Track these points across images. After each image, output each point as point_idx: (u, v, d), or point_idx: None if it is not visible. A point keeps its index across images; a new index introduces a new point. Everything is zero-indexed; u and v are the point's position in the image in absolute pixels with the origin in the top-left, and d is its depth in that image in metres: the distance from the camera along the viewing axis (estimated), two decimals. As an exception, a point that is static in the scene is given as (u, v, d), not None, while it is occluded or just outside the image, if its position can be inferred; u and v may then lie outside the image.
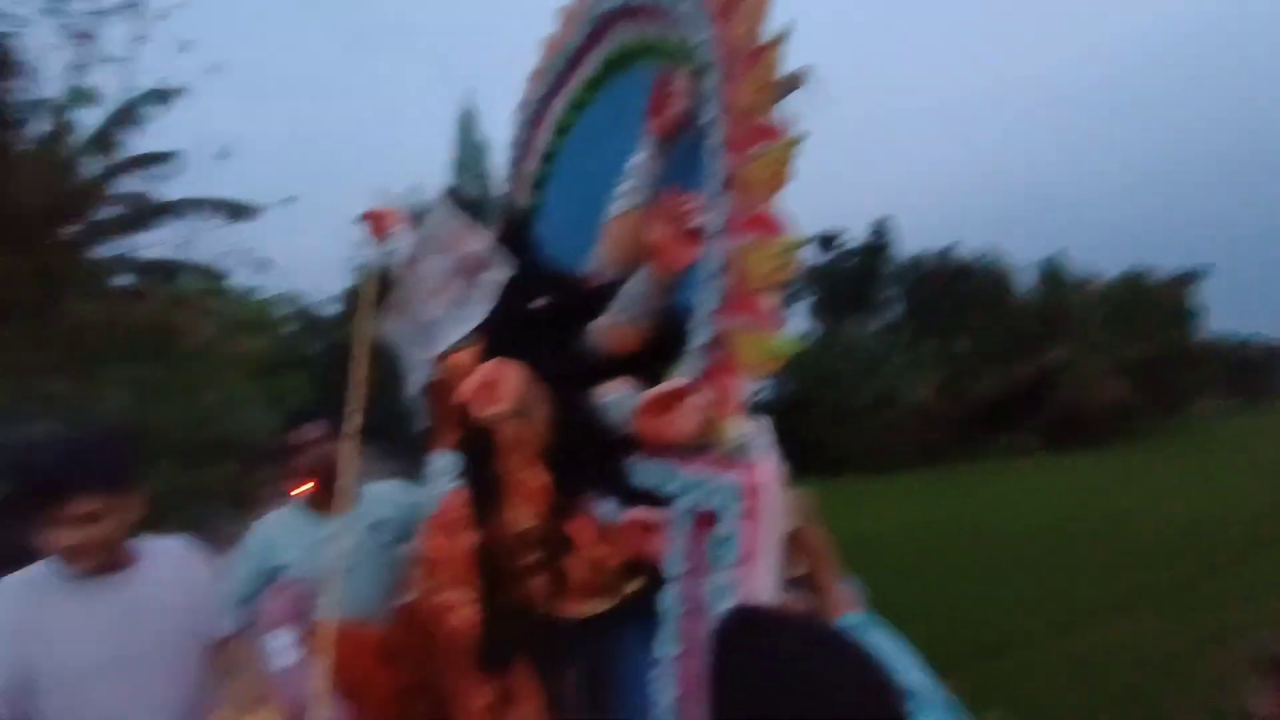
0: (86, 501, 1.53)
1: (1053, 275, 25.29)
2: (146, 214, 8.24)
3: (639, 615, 1.65)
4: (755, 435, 1.26)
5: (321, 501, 2.59)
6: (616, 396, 1.50)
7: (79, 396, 6.60)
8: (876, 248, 25.99)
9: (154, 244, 8.56)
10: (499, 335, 1.68)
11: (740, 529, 1.22)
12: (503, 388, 1.41)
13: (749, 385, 1.27)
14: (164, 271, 8.84)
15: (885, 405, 19.89)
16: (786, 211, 1.26)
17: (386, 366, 1.89)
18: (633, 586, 1.61)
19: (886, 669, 0.95)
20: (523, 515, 1.72)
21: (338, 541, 2.32)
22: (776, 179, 1.24)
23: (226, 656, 1.93)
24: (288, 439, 2.70)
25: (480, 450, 1.71)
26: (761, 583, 1.19)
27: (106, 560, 1.66)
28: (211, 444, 8.64)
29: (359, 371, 1.89)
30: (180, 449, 7.76)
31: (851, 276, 25.66)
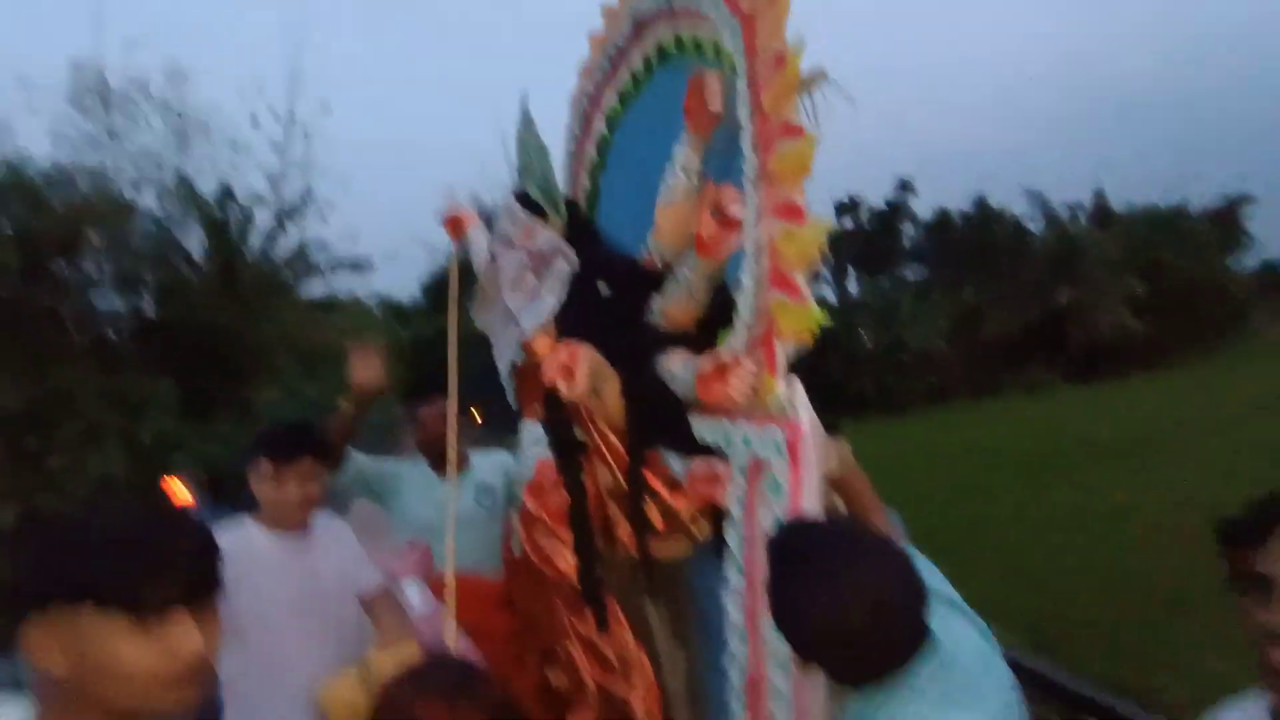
0: (309, 463, 1.93)
1: (1061, 220, 25.42)
2: (310, 273, 12.83)
3: (711, 553, 1.90)
4: (794, 395, 1.45)
5: (439, 465, 2.97)
6: (678, 366, 1.71)
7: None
8: (895, 208, 26.72)
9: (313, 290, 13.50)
10: (572, 319, 1.85)
11: (786, 475, 1.42)
12: (578, 370, 1.63)
13: (788, 350, 1.47)
14: (324, 307, 13.67)
15: (895, 351, 21.14)
16: (812, 200, 1.44)
17: (486, 351, 2.18)
18: (704, 531, 1.86)
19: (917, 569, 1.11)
20: (605, 474, 1.97)
21: (452, 500, 2.67)
22: (801, 172, 1.38)
23: (373, 606, 2.35)
24: (415, 413, 3.11)
25: (564, 421, 1.96)
26: (808, 515, 1.40)
27: (305, 519, 1.99)
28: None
29: (453, 357, 2.17)
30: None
31: (870, 237, 26.42)
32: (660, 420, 1.73)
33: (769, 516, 1.39)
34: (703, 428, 1.63)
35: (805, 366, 1.43)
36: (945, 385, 21.27)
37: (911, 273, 27.08)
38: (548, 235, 1.92)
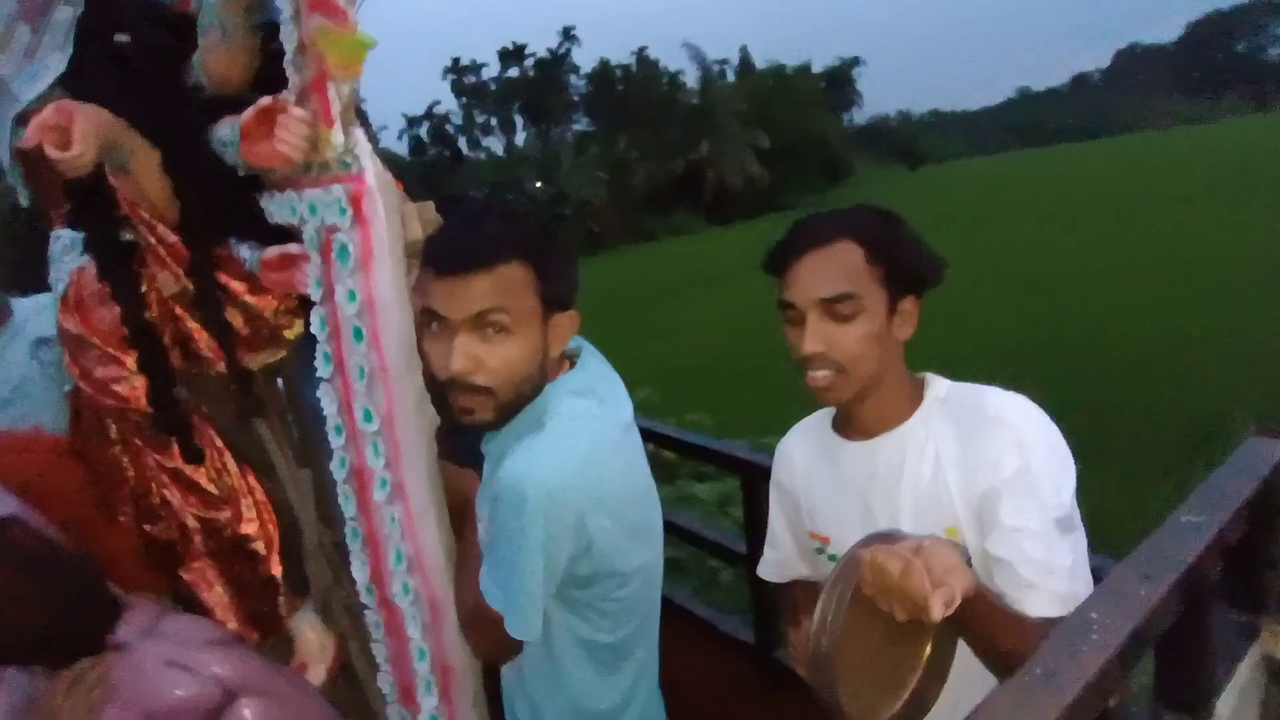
0: None
1: (711, 74, 28.20)
2: None
3: (308, 351, 1.69)
4: (356, 145, 1.25)
5: None
6: (227, 131, 1.34)
7: None
8: (558, 58, 27.04)
9: None
10: (85, 83, 1.38)
11: (354, 235, 1.22)
12: (74, 129, 1.21)
13: (343, 91, 1.25)
14: None
15: (558, 202, 22.52)
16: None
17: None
18: (295, 331, 1.52)
19: None
20: (167, 279, 1.56)
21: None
22: None
23: None
24: None
25: (100, 215, 1.55)
26: (382, 282, 1.24)
27: None
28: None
29: None
30: None
31: (535, 86, 26.70)
32: (222, 205, 1.44)
33: (344, 291, 1.23)
34: (272, 206, 1.38)
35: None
36: (603, 232, 22.93)
37: (578, 124, 27.96)
38: None
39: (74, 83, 1.42)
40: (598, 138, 26.59)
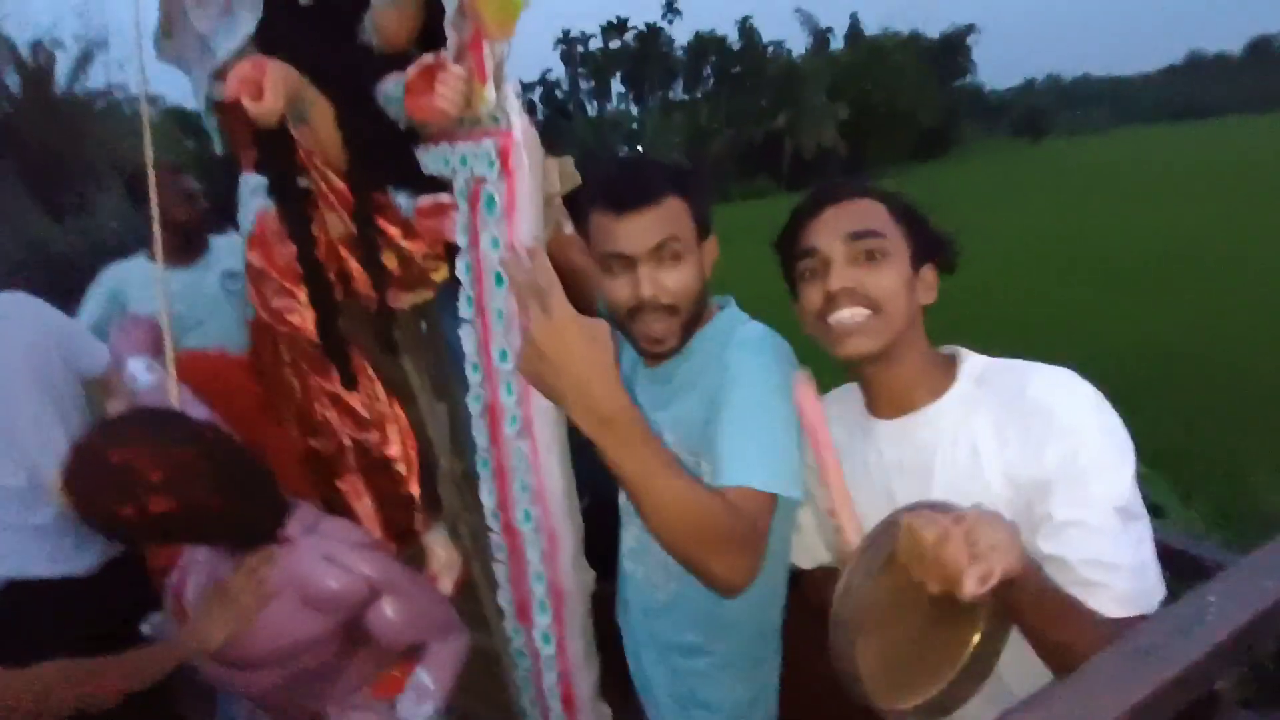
0: None
1: (825, 39, 29.64)
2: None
3: (452, 295, 1.83)
4: (508, 100, 1.34)
5: (170, 251, 2.64)
6: (392, 86, 1.38)
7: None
8: (655, 31, 28.66)
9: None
10: (273, 40, 1.47)
11: (500, 186, 1.24)
12: (266, 83, 1.28)
13: (497, 51, 1.33)
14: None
15: None
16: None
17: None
18: (442, 274, 1.61)
19: None
20: (334, 221, 1.63)
21: (195, 288, 2.43)
22: None
23: (100, 386, 2.05)
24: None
25: (282, 162, 1.67)
26: (524, 231, 1.32)
27: None
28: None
29: (144, 114, 1.81)
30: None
31: (636, 57, 28.15)
32: (385, 156, 1.57)
33: (489, 239, 1.33)
34: (427, 158, 1.49)
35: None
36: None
37: (673, 92, 29.29)
38: None
39: (261, 38, 1.58)
40: (684, 106, 27.45)
